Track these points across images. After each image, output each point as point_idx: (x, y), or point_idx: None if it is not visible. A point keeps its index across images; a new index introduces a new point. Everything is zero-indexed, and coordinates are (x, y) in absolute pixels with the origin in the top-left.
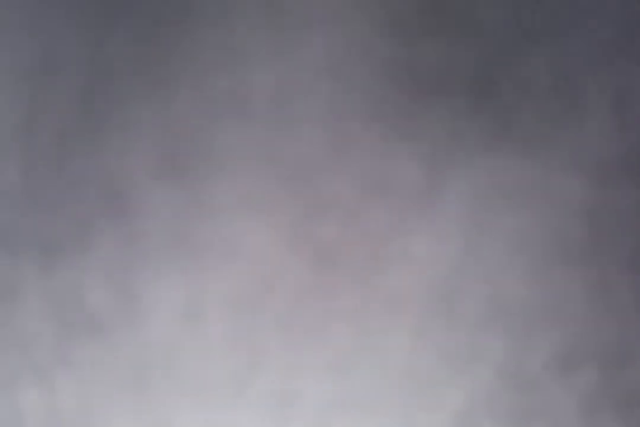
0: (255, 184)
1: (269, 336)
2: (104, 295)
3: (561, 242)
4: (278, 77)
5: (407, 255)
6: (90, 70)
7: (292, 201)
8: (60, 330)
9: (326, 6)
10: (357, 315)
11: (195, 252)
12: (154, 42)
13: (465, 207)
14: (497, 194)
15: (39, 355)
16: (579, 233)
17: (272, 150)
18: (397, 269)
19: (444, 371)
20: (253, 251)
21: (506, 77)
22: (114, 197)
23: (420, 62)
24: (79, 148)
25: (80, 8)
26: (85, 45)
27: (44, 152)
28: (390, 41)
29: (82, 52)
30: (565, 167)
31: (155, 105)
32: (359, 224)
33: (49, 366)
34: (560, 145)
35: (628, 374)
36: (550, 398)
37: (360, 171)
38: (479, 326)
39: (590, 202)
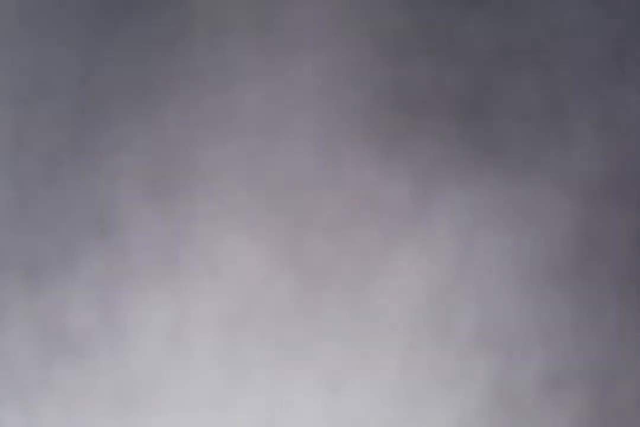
0: (243, 204)
1: (256, 355)
2: (89, 316)
3: (550, 261)
4: (268, 96)
5: (397, 273)
6: (80, 91)
7: (281, 220)
8: (44, 351)
9: (317, 26)
10: (346, 333)
11: (183, 273)
12: (145, 62)
13: (456, 226)
14: (486, 214)
15: (22, 377)
16: (567, 253)
17: (260, 169)
18: (386, 287)
19: (434, 389)
20: (240, 270)
21: (495, 99)
22: (101, 218)
23: (410, 84)
24: (67, 169)
25: (71, 29)
26: (75, 67)
27: (33, 172)
28: (380, 62)
29: (72, 73)
30: (553, 187)
31: (144, 125)
32: (348, 243)
33: (32, 388)
34: (548, 166)
35: (618, 393)
36: (541, 417)
37: (350, 190)
38: (469, 345)
39: (578, 222)
